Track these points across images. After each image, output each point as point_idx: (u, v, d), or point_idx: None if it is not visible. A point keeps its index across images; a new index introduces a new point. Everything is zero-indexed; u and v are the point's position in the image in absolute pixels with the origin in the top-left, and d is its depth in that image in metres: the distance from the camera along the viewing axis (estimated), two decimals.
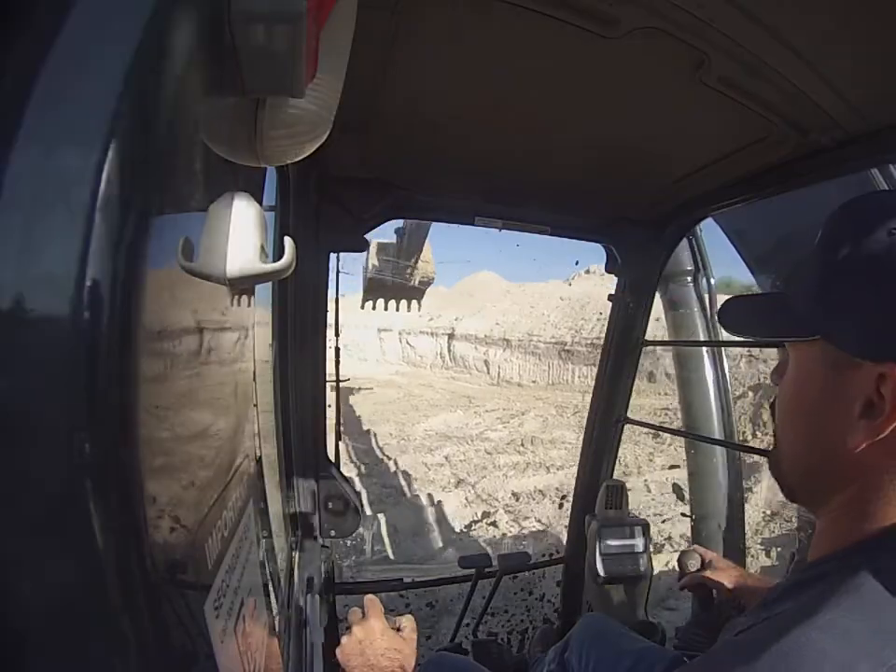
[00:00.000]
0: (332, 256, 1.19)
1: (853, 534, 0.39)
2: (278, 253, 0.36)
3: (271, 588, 0.84)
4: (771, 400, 0.52)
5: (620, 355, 1.55)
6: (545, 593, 2.97)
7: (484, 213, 1.26)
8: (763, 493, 4.57)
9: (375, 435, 8.86)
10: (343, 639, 0.81)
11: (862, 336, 0.39)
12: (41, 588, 0.17)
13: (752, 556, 3.67)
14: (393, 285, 7.79)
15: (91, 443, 0.17)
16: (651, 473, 6.28)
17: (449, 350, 19.74)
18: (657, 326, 1.90)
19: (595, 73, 0.73)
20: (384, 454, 7.87)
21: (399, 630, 0.83)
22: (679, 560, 1.12)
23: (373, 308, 7.93)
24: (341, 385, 2.87)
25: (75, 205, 0.17)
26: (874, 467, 0.39)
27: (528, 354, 16.17)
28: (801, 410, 0.45)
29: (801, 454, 0.45)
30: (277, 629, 0.88)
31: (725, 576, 1.03)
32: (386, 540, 4.47)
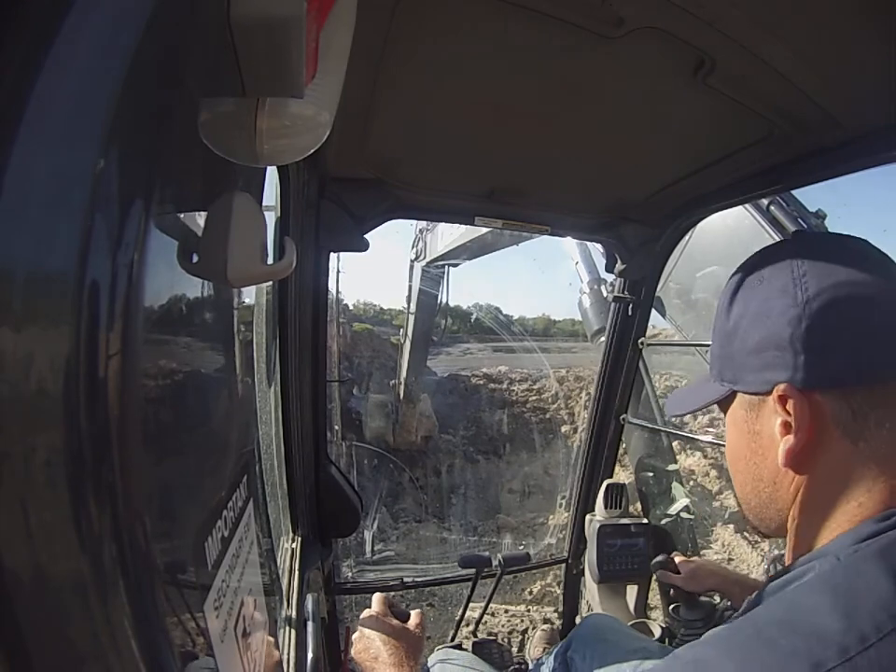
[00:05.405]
0: (332, 256, 1.19)
1: (807, 544, 0.45)
2: (278, 253, 0.35)
3: (271, 588, 0.84)
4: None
5: (620, 355, 1.56)
6: (545, 593, 2.97)
7: (484, 213, 1.26)
8: None
9: None
10: (353, 636, 0.84)
11: (754, 377, 0.46)
12: (38, 588, 0.17)
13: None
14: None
15: (89, 443, 0.17)
16: None
17: None
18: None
19: (595, 72, 0.73)
20: None
21: (406, 622, 0.85)
22: (651, 566, 1.13)
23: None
24: None
25: (74, 205, 0.17)
26: (804, 478, 0.45)
27: None
28: (740, 454, 0.50)
29: (751, 494, 0.51)
30: (277, 629, 0.88)
31: (708, 582, 1.03)
32: None
